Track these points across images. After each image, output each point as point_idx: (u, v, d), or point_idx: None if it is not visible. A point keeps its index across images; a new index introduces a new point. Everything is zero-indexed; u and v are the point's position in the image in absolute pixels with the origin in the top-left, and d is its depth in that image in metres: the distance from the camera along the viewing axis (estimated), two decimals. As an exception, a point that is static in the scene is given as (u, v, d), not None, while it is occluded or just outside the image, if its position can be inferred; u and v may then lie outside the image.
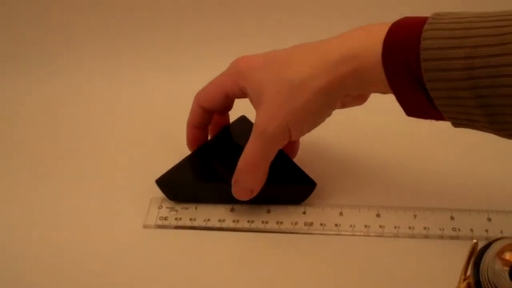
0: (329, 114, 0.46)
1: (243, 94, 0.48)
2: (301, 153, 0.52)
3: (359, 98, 0.48)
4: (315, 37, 0.45)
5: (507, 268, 0.31)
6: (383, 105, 0.54)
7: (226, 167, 0.49)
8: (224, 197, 0.48)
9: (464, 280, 0.35)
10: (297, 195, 0.49)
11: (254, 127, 0.46)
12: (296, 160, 0.51)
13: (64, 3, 0.67)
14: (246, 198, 0.47)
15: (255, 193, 0.47)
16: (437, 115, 0.41)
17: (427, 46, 0.38)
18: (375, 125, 0.58)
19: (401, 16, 0.41)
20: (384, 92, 0.43)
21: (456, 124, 0.41)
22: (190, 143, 0.52)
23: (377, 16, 0.44)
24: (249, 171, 0.46)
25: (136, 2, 0.67)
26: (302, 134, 0.46)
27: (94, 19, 0.67)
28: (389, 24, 0.41)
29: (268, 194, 0.48)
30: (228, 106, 0.51)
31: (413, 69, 0.39)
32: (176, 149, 0.54)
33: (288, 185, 0.49)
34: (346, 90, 0.44)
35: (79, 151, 0.56)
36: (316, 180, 0.49)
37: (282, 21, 0.67)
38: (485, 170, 0.53)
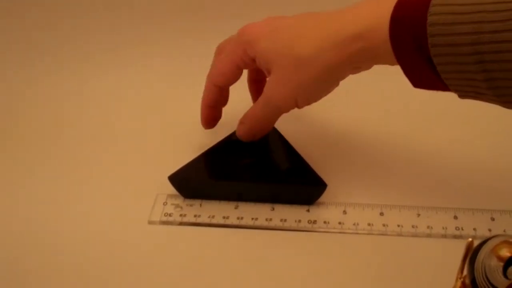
0: (337, 85, 0.47)
1: (253, 62, 0.49)
2: (305, 153, 0.52)
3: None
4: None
5: (502, 264, 0.31)
6: (388, 105, 0.54)
7: (240, 165, 0.50)
8: (238, 195, 0.49)
9: (460, 278, 0.35)
10: (307, 195, 0.49)
11: (263, 93, 0.48)
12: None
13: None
14: (248, 140, 0.51)
15: (257, 138, 0.51)
16: (443, 87, 0.42)
17: (434, 22, 0.39)
18: (379, 125, 0.58)
19: None
20: (393, 64, 0.43)
21: (462, 96, 0.41)
22: (205, 123, 0.53)
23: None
24: (253, 124, 0.50)
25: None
26: (309, 104, 0.48)
27: (100, 14, 0.68)
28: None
29: (279, 194, 0.48)
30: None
31: (421, 44, 0.39)
32: (182, 146, 0.54)
33: (299, 185, 0.49)
34: (354, 65, 0.45)
35: (84, 147, 0.56)
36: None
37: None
38: (489, 170, 0.52)
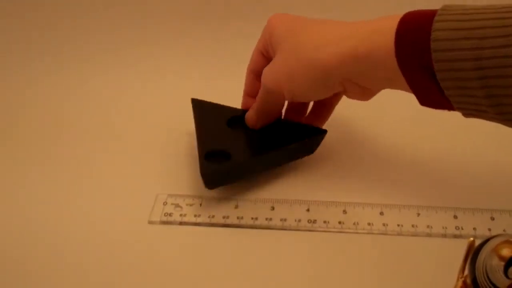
0: (326, 94, 0.48)
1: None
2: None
3: (365, 93, 0.48)
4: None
5: (503, 263, 0.31)
6: (387, 105, 0.54)
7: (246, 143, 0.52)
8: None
9: (461, 278, 0.35)
10: (309, 146, 0.51)
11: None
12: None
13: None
14: (253, 126, 0.52)
15: (259, 126, 0.52)
16: (448, 106, 0.41)
17: (437, 38, 0.39)
18: (379, 124, 0.58)
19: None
20: (392, 82, 0.43)
21: (466, 114, 0.42)
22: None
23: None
24: (256, 109, 0.51)
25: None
26: (293, 99, 0.49)
27: (97, 15, 0.68)
28: (400, 16, 0.41)
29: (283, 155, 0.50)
30: None
31: (425, 60, 0.40)
32: (183, 146, 0.54)
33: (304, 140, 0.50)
34: (345, 71, 0.44)
35: (84, 147, 0.56)
36: (320, 178, 0.49)
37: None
38: (489, 169, 0.52)
